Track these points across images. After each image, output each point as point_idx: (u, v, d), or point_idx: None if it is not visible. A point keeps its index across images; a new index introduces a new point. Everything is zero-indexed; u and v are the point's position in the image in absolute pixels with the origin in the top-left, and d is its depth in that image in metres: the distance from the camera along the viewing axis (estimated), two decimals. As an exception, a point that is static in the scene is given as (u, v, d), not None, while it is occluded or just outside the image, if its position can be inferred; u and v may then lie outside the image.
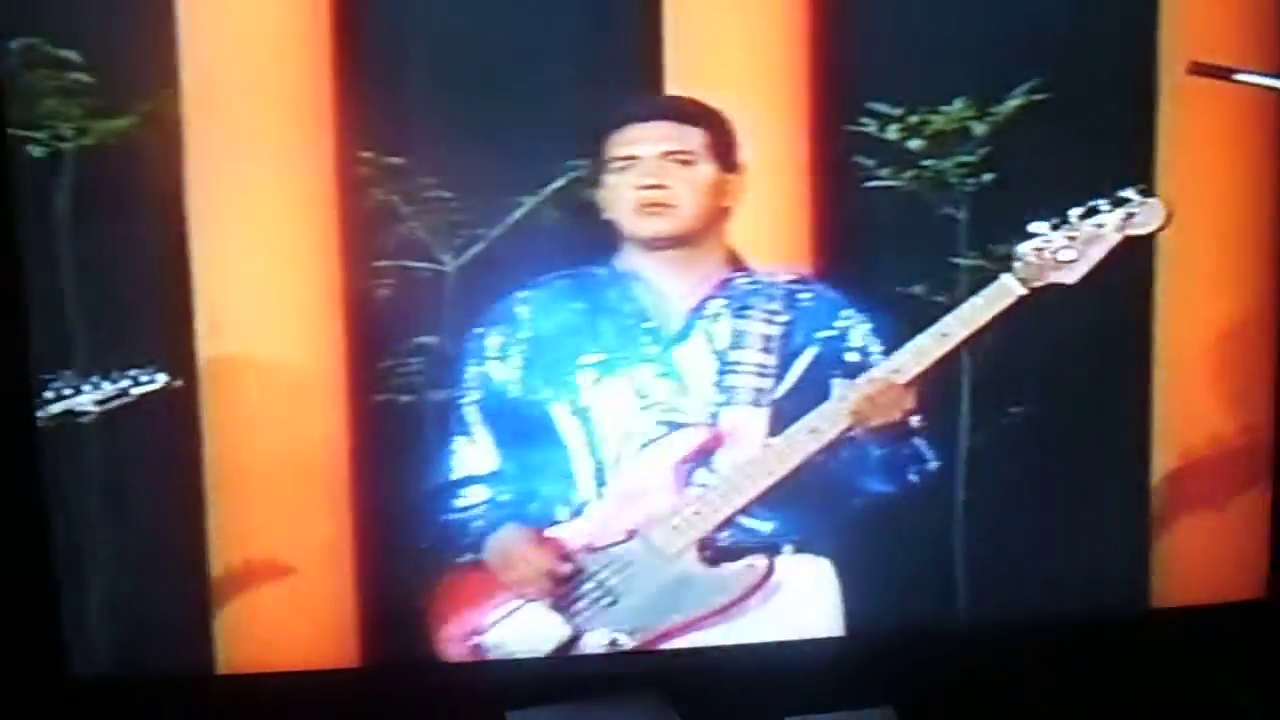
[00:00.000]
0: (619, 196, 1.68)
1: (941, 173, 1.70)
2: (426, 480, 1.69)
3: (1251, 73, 1.72)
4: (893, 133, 1.70)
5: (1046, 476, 1.78)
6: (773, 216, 1.72)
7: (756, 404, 1.73)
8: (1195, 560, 1.86)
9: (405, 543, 1.71)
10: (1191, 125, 1.74)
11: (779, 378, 1.72)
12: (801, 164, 1.72)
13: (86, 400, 1.58)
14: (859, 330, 1.73)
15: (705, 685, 1.99)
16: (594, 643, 1.72)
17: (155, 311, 1.65)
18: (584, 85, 1.65)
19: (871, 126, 1.69)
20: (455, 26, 1.63)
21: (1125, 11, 1.73)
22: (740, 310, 1.72)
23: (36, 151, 1.62)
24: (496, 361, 1.70)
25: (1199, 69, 1.72)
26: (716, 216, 1.70)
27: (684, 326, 1.72)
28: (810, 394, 1.71)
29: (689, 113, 1.69)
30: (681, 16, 1.67)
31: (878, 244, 1.73)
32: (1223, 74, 1.71)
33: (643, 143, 1.68)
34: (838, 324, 1.73)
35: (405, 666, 1.83)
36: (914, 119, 1.69)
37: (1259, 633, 2.01)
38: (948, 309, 1.70)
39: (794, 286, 1.72)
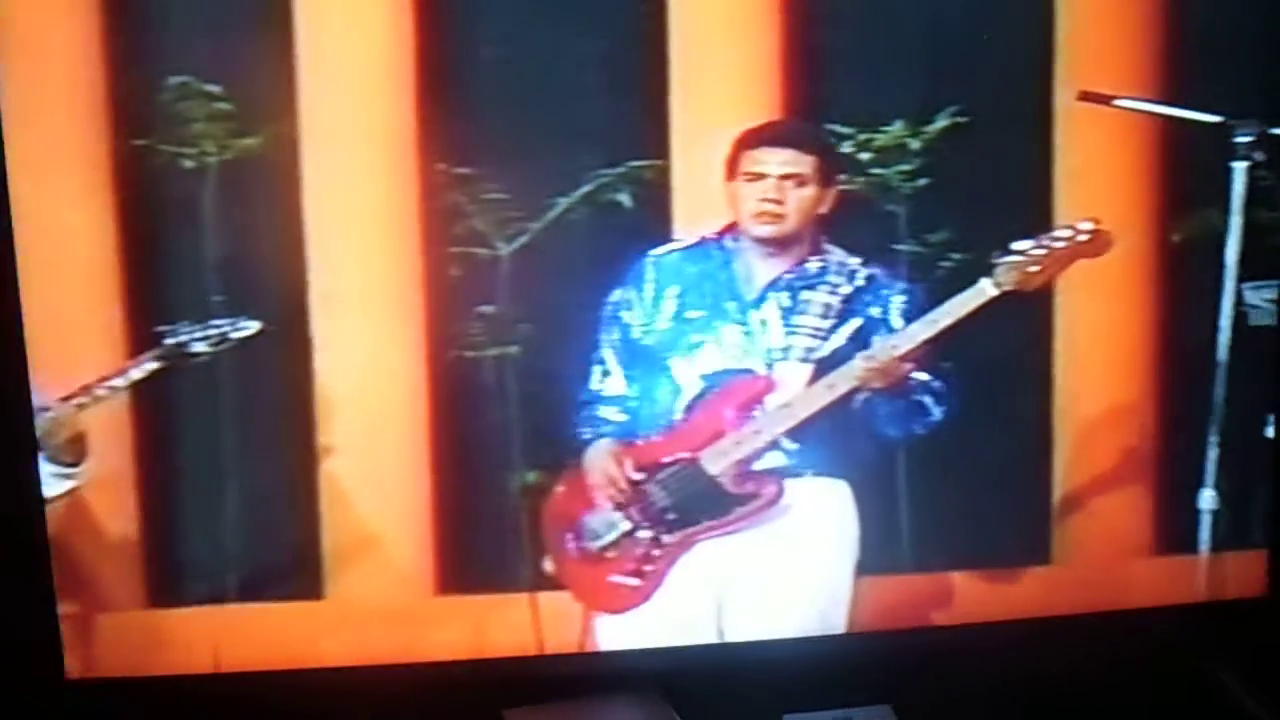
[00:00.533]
0: (743, 201, 2.12)
1: (885, 178, 2.17)
2: (487, 415, 2.20)
3: (1129, 98, 2.19)
4: (848, 147, 2.17)
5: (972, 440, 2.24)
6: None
7: (804, 360, 2.17)
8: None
9: (476, 463, 2.21)
10: (1082, 142, 2.22)
11: (827, 339, 2.17)
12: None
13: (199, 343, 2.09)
14: (896, 305, 2.17)
15: (703, 683, 2.14)
16: (643, 536, 2.22)
17: (278, 283, 2.14)
18: (607, 113, 2.13)
19: (831, 142, 2.18)
20: (509, 71, 2.11)
21: (1027, 47, 2.20)
22: (807, 285, 2.17)
23: (187, 164, 2.11)
24: (620, 312, 2.16)
25: (1086, 96, 2.19)
26: (812, 221, 2.14)
27: (759, 295, 2.15)
28: (841, 358, 2.16)
29: (809, 141, 2.11)
30: (687, 61, 2.14)
31: (840, 233, 2.21)
32: (1105, 100, 2.19)
33: (770, 163, 2.10)
34: (888, 297, 2.17)
35: (404, 665, 2.12)
36: (863, 137, 2.15)
37: (1260, 632, 2.17)
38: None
39: (854, 268, 2.17)
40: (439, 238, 2.12)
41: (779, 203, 2.13)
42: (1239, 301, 2.23)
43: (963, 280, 2.14)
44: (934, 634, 2.25)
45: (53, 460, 2.08)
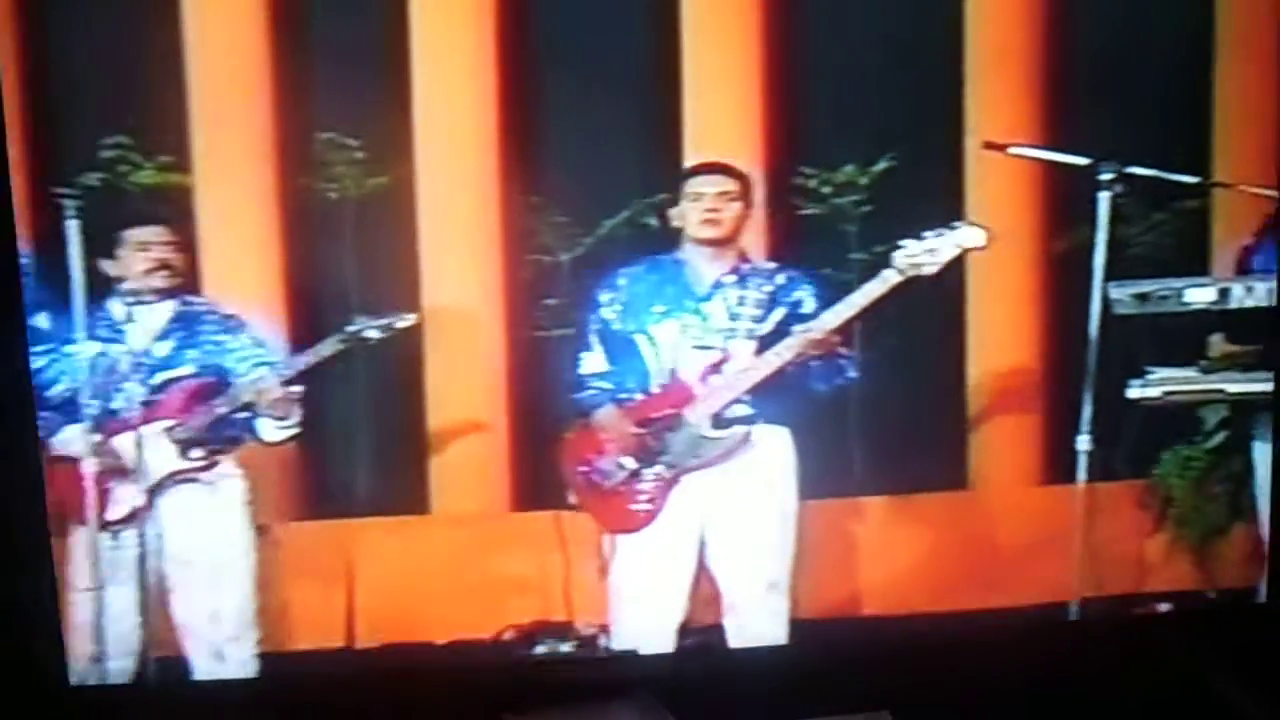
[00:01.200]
0: (690, 215, 2.89)
1: (841, 206, 2.96)
2: (551, 380, 2.99)
3: (1020, 146, 2.97)
4: (814, 184, 2.96)
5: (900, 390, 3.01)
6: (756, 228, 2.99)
7: (749, 337, 2.94)
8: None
9: (538, 416, 2.99)
10: (987, 176, 3.00)
11: (762, 322, 2.95)
12: (765, 200, 2.99)
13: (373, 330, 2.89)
14: (807, 297, 2.97)
15: (700, 689, 2.45)
16: (649, 475, 3.00)
17: (404, 278, 2.92)
18: (639, 160, 2.90)
19: (802, 180, 2.97)
20: (568, 127, 2.89)
21: (944, 108, 2.96)
22: (742, 282, 2.96)
23: (332, 196, 2.90)
24: (607, 309, 2.94)
25: (989, 145, 2.97)
26: (739, 230, 2.94)
27: (709, 291, 2.94)
28: (779, 334, 2.94)
29: (732, 172, 2.89)
30: (697, 128, 2.92)
31: (806, 247, 2.99)
32: (1001, 148, 2.97)
33: (707, 186, 2.91)
34: (796, 294, 2.97)
35: (403, 667, 2.70)
36: (825, 176, 2.93)
37: (1258, 635, 2.37)
38: (849, 286, 2.98)
39: (774, 270, 2.96)
40: (516, 249, 2.91)
41: (717, 211, 2.90)
42: (1105, 295, 3.00)
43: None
44: (931, 633, 2.76)
45: (268, 418, 2.87)
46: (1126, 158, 2.96)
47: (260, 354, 2.91)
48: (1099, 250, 2.97)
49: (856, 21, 2.91)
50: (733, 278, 2.96)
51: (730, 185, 2.92)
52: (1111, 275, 2.98)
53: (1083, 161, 2.95)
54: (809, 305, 2.96)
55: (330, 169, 2.85)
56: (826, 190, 2.94)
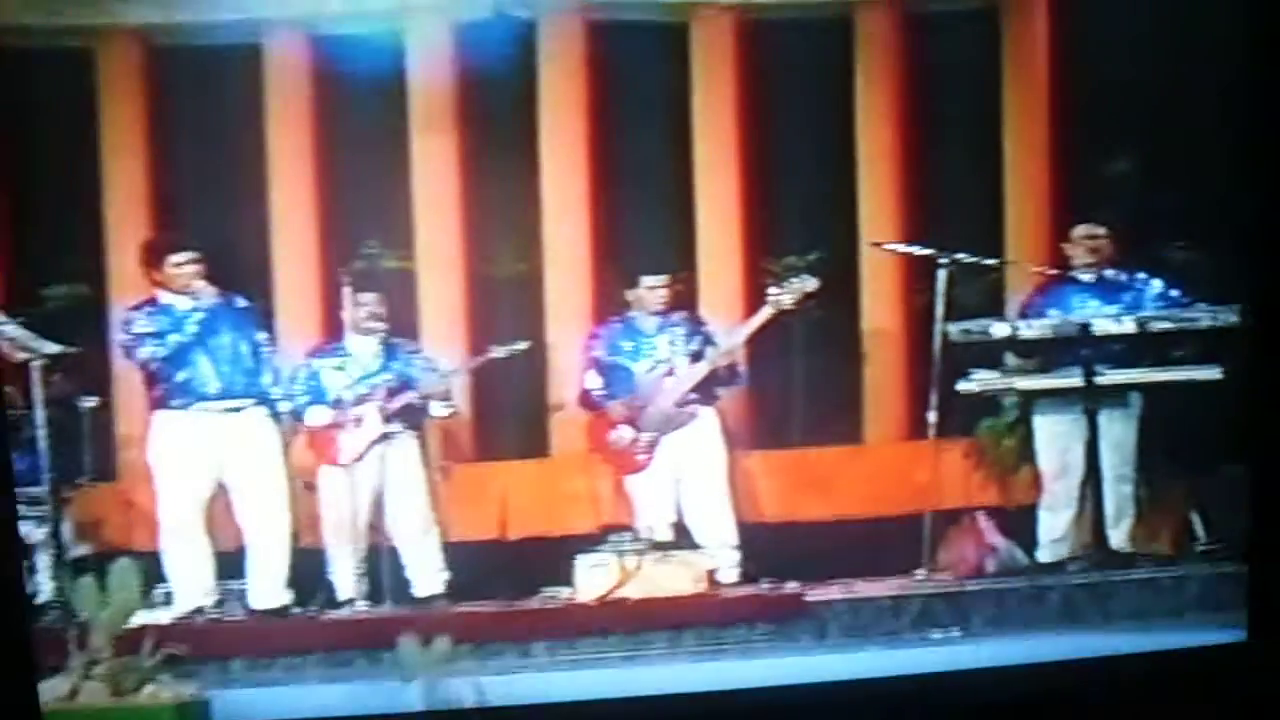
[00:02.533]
0: (647, 297, 5.02)
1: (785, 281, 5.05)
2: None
3: (890, 243, 5.06)
4: (770, 264, 5.05)
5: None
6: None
7: (691, 359, 5.00)
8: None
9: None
10: (875, 262, 5.12)
11: (698, 353, 5.01)
12: (740, 280, 5.10)
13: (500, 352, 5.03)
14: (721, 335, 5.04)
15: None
16: (643, 439, 5.05)
17: (526, 319, 5.05)
18: (673, 247, 5.04)
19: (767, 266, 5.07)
20: (634, 226, 5.03)
21: (849, 218, 5.08)
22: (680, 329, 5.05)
23: (487, 274, 5.02)
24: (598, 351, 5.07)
25: (874, 244, 5.07)
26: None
27: (656, 335, 5.05)
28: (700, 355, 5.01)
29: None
30: (707, 216, 5.05)
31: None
32: (879, 245, 5.05)
33: (659, 279, 5.01)
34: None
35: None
36: (776, 260, 5.04)
37: (1241, 673, 2.83)
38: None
39: (699, 323, 5.05)
40: (605, 304, 5.01)
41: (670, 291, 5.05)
42: (944, 330, 5.01)
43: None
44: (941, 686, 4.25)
45: (438, 403, 5.04)
46: (954, 248, 5.00)
47: (432, 366, 4.98)
48: (939, 302, 5.00)
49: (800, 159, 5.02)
50: (676, 327, 5.09)
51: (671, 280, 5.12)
52: (947, 317, 4.99)
53: (928, 251, 5.01)
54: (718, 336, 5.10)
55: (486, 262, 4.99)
56: (777, 269, 5.03)
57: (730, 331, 5.02)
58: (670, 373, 5.02)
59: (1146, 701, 3.58)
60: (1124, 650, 4.47)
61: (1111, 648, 4.50)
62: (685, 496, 5.04)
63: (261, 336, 4.97)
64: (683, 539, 4.98)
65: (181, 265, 4.86)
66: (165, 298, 4.89)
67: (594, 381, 5.06)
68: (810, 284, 4.99)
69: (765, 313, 4.99)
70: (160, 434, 4.88)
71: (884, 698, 4.32)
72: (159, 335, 4.87)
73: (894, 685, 4.40)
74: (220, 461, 4.88)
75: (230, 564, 4.88)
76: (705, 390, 5.05)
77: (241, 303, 4.94)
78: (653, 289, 5.03)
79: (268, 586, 4.86)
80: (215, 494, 4.87)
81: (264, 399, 4.94)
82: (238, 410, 4.90)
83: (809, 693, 4.38)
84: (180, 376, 4.88)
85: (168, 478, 4.85)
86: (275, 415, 4.95)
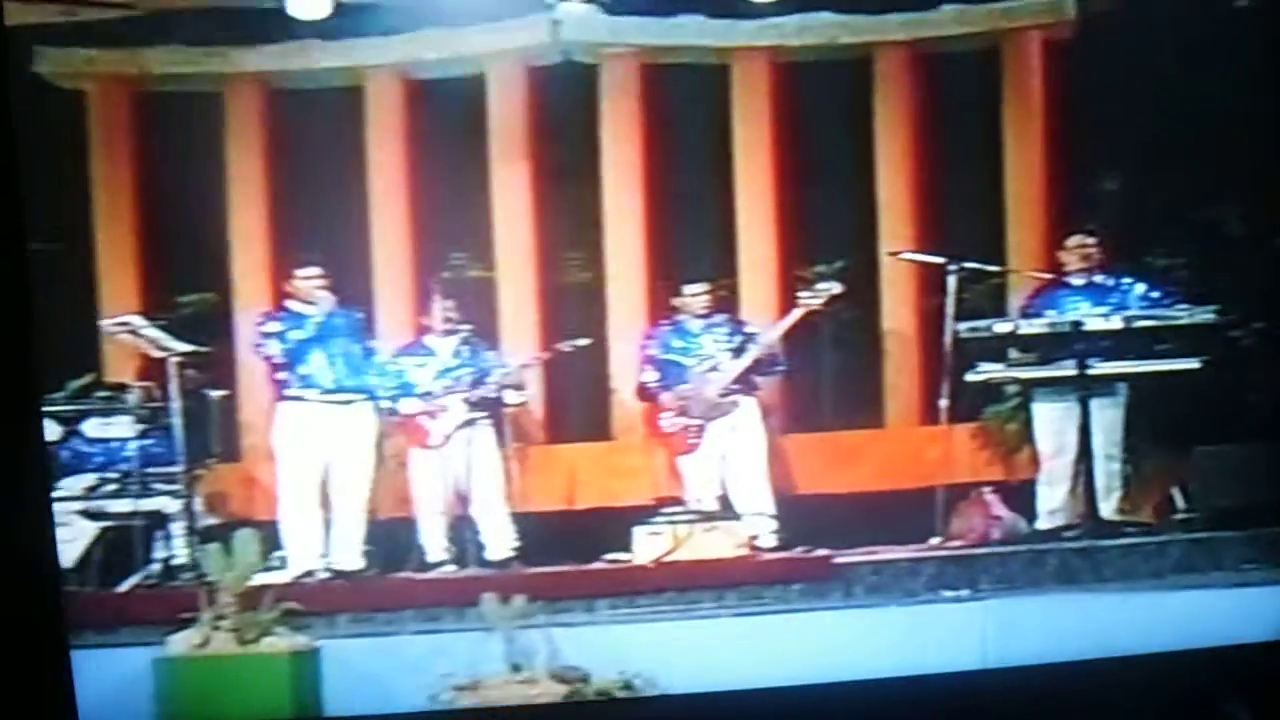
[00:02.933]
0: (692, 302, 5.76)
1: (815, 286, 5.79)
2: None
3: (905, 252, 5.79)
4: (807, 274, 5.79)
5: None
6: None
7: (733, 355, 5.72)
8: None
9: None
10: (894, 267, 5.85)
11: (739, 349, 5.73)
12: (776, 286, 5.85)
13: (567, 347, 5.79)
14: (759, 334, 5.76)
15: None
16: (692, 424, 5.78)
17: (589, 321, 5.82)
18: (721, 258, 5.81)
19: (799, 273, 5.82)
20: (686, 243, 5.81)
21: (871, 231, 5.82)
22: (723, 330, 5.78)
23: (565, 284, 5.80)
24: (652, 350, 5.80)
25: (891, 253, 5.80)
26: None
27: (702, 332, 5.75)
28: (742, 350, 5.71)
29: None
30: (747, 231, 5.81)
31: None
32: (896, 254, 5.79)
33: (699, 288, 5.76)
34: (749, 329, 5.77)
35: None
36: (812, 269, 5.79)
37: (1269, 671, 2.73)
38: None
39: (740, 324, 5.78)
40: (658, 309, 5.78)
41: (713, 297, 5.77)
42: (954, 328, 5.71)
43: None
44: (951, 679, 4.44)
45: (512, 391, 5.80)
46: (962, 256, 5.70)
47: (502, 362, 5.73)
48: (949, 304, 5.69)
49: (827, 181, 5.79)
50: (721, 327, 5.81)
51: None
52: (956, 317, 5.66)
53: (940, 259, 5.71)
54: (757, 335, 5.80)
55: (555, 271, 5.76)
56: (808, 275, 5.77)
57: (766, 330, 5.74)
58: (715, 368, 5.74)
59: (1185, 700, 3.65)
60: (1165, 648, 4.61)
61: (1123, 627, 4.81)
62: (729, 474, 5.73)
63: (367, 338, 5.69)
64: (727, 511, 5.67)
65: (309, 278, 5.60)
66: (293, 305, 5.65)
67: (650, 376, 5.80)
68: (835, 288, 5.70)
69: (796, 314, 5.70)
70: (282, 421, 5.64)
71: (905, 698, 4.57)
72: (284, 336, 5.61)
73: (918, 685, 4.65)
74: (330, 445, 5.62)
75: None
76: (745, 382, 5.75)
77: (353, 309, 5.65)
78: (696, 295, 5.74)
79: (351, 552, 5.58)
80: (324, 473, 5.59)
81: (369, 393, 5.67)
82: (348, 403, 5.65)
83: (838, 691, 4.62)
84: (301, 371, 5.61)
85: (287, 458, 5.59)
86: (377, 408, 5.68)
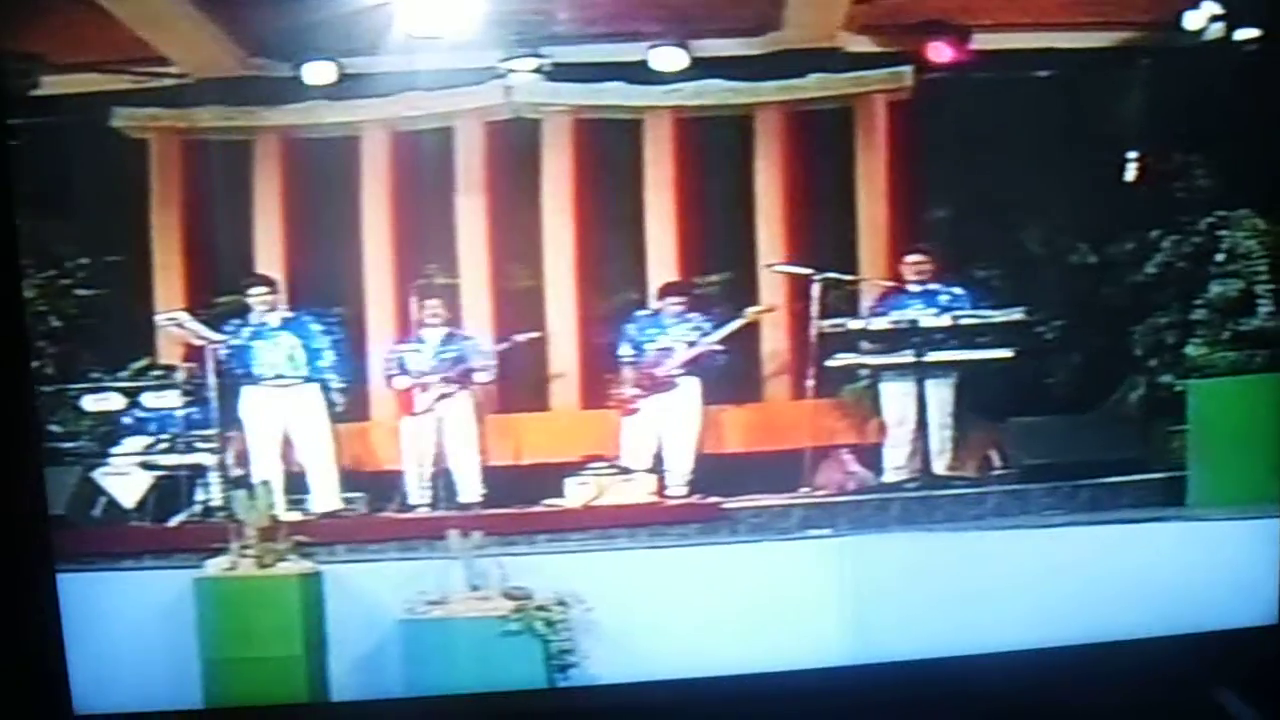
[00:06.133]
0: (668, 310, 7.00)
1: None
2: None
3: (779, 264, 7.31)
4: (702, 284, 7.29)
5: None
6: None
7: (686, 342, 7.04)
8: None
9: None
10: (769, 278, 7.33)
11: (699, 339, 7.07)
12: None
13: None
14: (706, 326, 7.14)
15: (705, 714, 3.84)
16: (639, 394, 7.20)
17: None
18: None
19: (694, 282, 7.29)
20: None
21: (748, 245, 7.31)
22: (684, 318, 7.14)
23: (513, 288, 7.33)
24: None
25: (768, 266, 7.29)
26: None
27: (670, 325, 7.07)
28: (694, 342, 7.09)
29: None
30: (654, 249, 7.34)
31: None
32: (770, 266, 7.29)
33: (679, 298, 7.09)
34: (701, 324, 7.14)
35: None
36: (705, 279, 7.29)
37: (1268, 657, 2.46)
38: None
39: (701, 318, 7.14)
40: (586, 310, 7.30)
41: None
42: (819, 327, 7.17)
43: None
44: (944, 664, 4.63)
45: (480, 373, 7.26)
46: (824, 268, 7.13)
47: (475, 350, 7.11)
48: (814, 306, 7.04)
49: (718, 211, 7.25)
50: (680, 322, 7.14)
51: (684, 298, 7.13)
52: (820, 316, 7.00)
53: (807, 271, 7.16)
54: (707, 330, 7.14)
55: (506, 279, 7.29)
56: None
57: (713, 332, 6.91)
58: (667, 349, 6.84)
59: (1178, 685, 3.40)
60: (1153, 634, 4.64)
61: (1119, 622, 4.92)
62: (662, 436, 6.83)
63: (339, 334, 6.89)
64: (639, 466, 6.88)
65: (261, 295, 6.72)
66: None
67: (624, 351, 6.88)
68: (766, 308, 7.06)
69: (738, 322, 6.91)
70: (245, 404, 6.70)
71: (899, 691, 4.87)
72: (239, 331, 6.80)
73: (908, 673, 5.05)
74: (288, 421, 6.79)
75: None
76: (691, 366, 6.90)
77: (332, 310, 6.88)
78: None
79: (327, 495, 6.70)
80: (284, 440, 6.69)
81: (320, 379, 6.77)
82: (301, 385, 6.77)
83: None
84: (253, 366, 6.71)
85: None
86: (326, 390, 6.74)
